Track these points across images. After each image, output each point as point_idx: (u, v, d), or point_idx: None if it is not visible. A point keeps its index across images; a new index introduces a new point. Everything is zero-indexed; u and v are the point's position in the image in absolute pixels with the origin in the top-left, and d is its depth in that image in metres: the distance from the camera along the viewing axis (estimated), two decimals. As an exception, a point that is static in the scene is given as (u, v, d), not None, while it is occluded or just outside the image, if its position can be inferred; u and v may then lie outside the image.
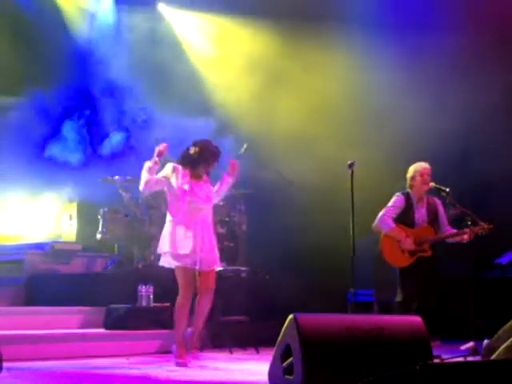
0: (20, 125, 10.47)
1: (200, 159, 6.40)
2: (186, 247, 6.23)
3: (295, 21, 10.42)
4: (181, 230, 6.26)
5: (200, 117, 10.22)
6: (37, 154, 10.45)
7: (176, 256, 6.26)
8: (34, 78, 10.43)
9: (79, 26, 11.05)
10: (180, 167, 6.39)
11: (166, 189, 6.43)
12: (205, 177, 6.50)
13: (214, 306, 7.71)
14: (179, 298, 6.34)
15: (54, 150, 10.53)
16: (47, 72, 10.54)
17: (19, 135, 10.42)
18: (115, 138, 10.67)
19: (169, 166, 6.39)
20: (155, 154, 6.35)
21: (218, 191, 6.60)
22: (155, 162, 6.33)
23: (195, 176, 6.41)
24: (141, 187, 6.43)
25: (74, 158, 10.63)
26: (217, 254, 6.44)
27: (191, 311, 6.44)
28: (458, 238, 7.37)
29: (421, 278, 7.26)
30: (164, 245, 6.34)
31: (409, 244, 7.27)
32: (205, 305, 6.42)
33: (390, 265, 7.41)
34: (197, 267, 6.28)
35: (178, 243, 6.25)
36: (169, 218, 6.41)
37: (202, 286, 6.39)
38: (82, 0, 11.21)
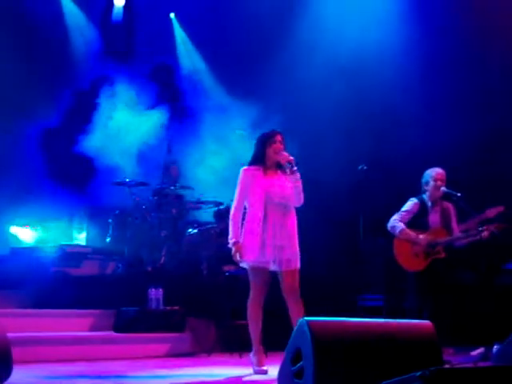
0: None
1: (261, 149, 6.18)
2: (254, 245, 5.98)
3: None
4: (251, 228, 6.02)
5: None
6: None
7: (245, 254, 6.03)
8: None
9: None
10: (252, 168, 6.16)
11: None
12: (279, 173, 6.17)
13: (224, 308, 7.74)
14: (249, 302, 6.15)
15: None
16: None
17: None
18: None
19: (241, 174, 6.16)
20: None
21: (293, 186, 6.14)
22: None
23: (269, 173, 6.14)
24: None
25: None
26: (292, 253, 6.06)
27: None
28: (469, 239, 7.35)
29: (435, 281, 7.24)
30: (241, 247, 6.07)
31: (423, 240, 7.24)
32: (293, 309, 6.05)
33: (402, 269, 7.38)
34: (270, 266, 6.02)
35: (248, 242, 6.01)
36: (247, 219, 6.14)
37: (283, 289, 6.12)
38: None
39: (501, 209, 7.43)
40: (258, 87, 10.50)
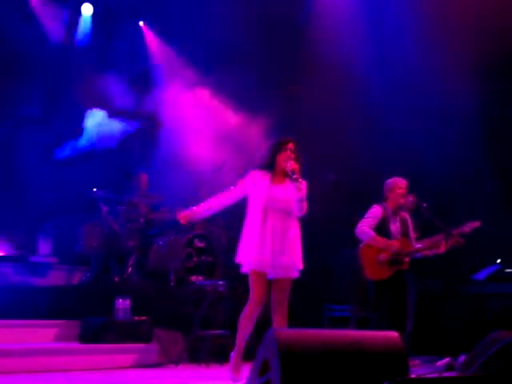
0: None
1: (271, 155, 6.11)
2: (253, 249, 5.90)
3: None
4: (252, 234, 5.95)
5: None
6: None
7: (245, 260, 5.97)
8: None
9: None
10: (257, 173, 6.10)
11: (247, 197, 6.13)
12: (287, 181, 6.07)
13: (191, 319, 7.71)
14: (248, 304, 5.99)
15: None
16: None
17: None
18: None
19: (249, 175, 6.10)
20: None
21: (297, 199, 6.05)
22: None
23: (276, 180, 6.07)
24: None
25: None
26: (292, 261, 5.95)
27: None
28: (430, 251, 7.39)
29: (399, 291, 7.26)
30: (239, 250, 6.04)
31: (395, 247, 7.26)
32: (279, 323, 5.95)
33: (367, 279, 7.39)
34: (267, 273, 5.93)
35: (248, 247, 5.94)
36: (245, 223, 6.08)
37: (272, 298, 6.03)
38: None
39: (477, 224, 7.37)
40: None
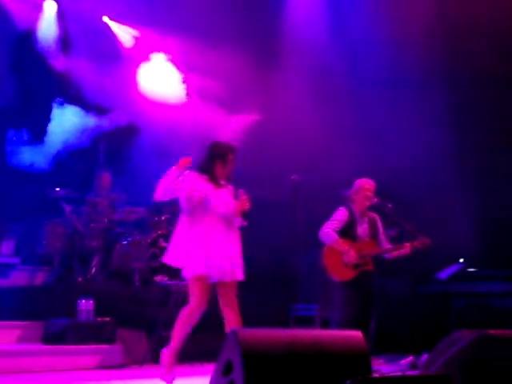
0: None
1: (212, 160, 6.08)
2: (197, 256, 5.88)
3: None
4: (195, 239, 5.93)
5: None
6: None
7: (190, 264, 5.93)
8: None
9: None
10: (198, 175, 6.08)
11: (181, 198, 6.08)
12: (224, 184, 6.14)
13: (157, 319, 7.68)
14: (188, 307, 5.97)
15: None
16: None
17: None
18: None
19: (187, 176, 6.04)
20: (178, 165, 6.02)
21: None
22: (176, 173, 5.99)
23: (214, 183, 6.07)
24: (156, 194, 6.03)
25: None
26: (237, 264, 6.00)
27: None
28: (398, 253, 7.44)
29: (362, 292, 7.29)
30: (177, 254, 6.00)
31: (352, 256, 7.28)
32: (232, 320, 5.97)
33: (331, 279, 7.42)
34: (212, 277, 5.94)
35: (191, 252, 5.91)
36: (183, 226, 6.04)
37: (221, 303, 6.04)
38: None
39: (427, 242, 7.39)
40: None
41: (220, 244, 5.93)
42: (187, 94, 10.42)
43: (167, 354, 5.97)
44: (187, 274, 5.97)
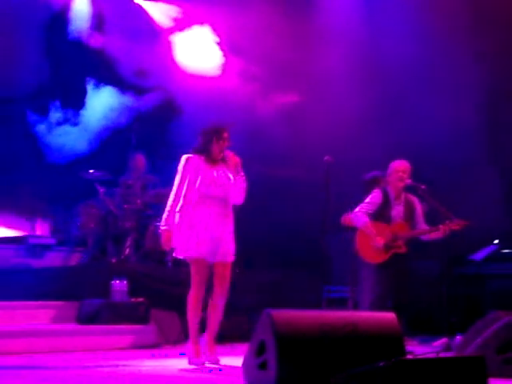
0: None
1: (207, 139, 6.10)
2: (194, 237, 5.93)
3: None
4: (190, 221, 5.96)
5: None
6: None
7: (185, 247, 5.97)
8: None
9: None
10: (194, 157, 6.09)
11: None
12: (221, 164, 6.12)
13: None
14: (189, 293, 6.04)
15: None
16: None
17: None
18: None
19: (182, 161, 6.08)
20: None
21: (234, 184, 6.13)
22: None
23: (210, 162, 6.08)
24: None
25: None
26: (229, 245, 6.04)
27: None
28: (432, 235, 7.37)
29: (395, 274, 7.26)
30: (175, 236, 6.03)
31: (378, 242, 7.25)
32: (217, 296, 6.06)
33: (364, 261, 7.40)
34: (208, 259, 5.97)
35: (186, 234, 5.95)
36: (180, 208, 6.06)
37: (214, 281, 6.09)
38: None
39: (465, 223, 7.31)
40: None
41: (213, 225, 5.97)
42: (224, 68, 10.36)
43: (190, 345, 6.01)
44: (178, 254, 6.04)
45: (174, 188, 6.07)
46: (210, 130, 6.15)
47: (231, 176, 6.08)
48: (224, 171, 6.12)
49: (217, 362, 5.96)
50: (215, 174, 6.07)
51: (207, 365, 5.90)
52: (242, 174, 6.09)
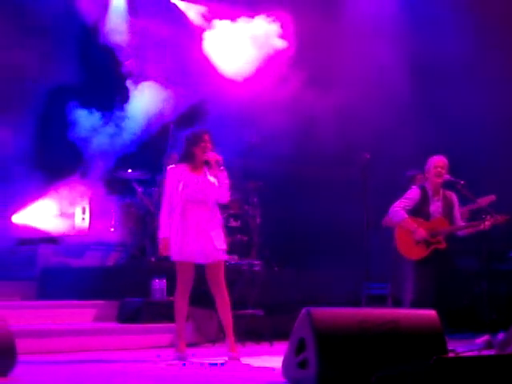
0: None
1: (189, 144, 6.36)
2: (179, 241, 6.20)
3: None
4: (177, 226, 6.23)
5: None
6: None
7: (173, 249, 6.26)
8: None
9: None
10: (177, 167, 6.38)
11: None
12: (204, 169, 6.34)
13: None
14: (175, 294, 6.42)
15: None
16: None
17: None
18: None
19: (168, 173, 6.40)
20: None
21: (218, 183, 6.36)
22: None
23: (193, 169, 6.33)
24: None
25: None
26: (216, 246, 6.24)
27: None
28: (471, 230, 7.32)
29: (436, 271, 7.20)
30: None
31: (421, 233, 7.20)
32: (218, 302, 6.34)
33: (403, 257, 7.35)
34: (196, 261, 6.24)
35: (173, 238, 6.23)
36: (170, 216, 6.38)
37: (209, 283, 6.37)
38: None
39: (492, 198, 7.35)
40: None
41: (199, 228, 6.19)
42: (255, 68, 10.33)
43: (179, 343, 6.34)
44: (172, 258, 6.31)
45: (163, 199, 6.44)
46: (190, 135, 6.42)
47: (214, 179, 6.29)
48: (206, 175, 6.33)
49: (237, 360, 6.12)
50: (197, 180, 6.29)
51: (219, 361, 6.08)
52: (224, 170, 6.30)
